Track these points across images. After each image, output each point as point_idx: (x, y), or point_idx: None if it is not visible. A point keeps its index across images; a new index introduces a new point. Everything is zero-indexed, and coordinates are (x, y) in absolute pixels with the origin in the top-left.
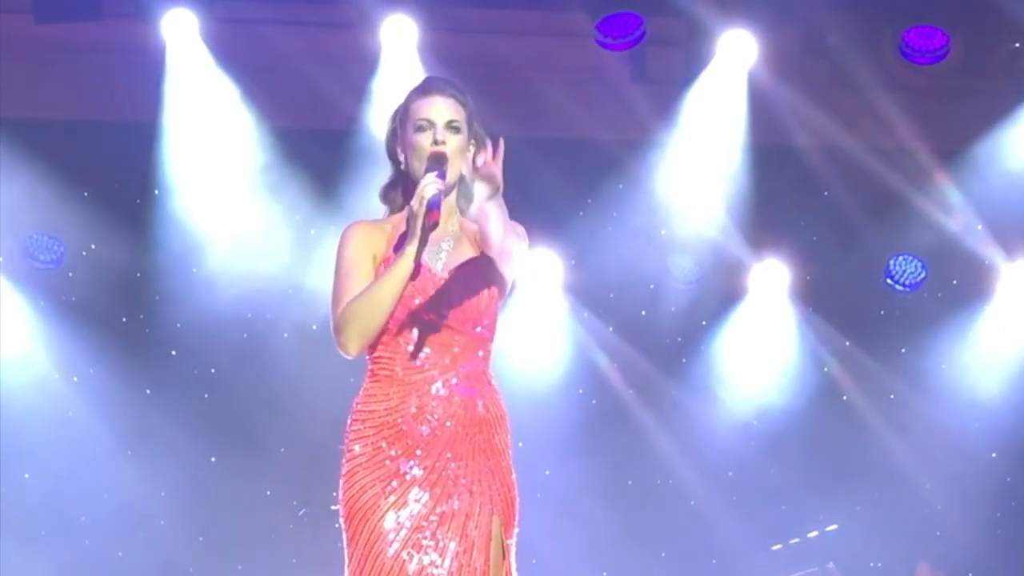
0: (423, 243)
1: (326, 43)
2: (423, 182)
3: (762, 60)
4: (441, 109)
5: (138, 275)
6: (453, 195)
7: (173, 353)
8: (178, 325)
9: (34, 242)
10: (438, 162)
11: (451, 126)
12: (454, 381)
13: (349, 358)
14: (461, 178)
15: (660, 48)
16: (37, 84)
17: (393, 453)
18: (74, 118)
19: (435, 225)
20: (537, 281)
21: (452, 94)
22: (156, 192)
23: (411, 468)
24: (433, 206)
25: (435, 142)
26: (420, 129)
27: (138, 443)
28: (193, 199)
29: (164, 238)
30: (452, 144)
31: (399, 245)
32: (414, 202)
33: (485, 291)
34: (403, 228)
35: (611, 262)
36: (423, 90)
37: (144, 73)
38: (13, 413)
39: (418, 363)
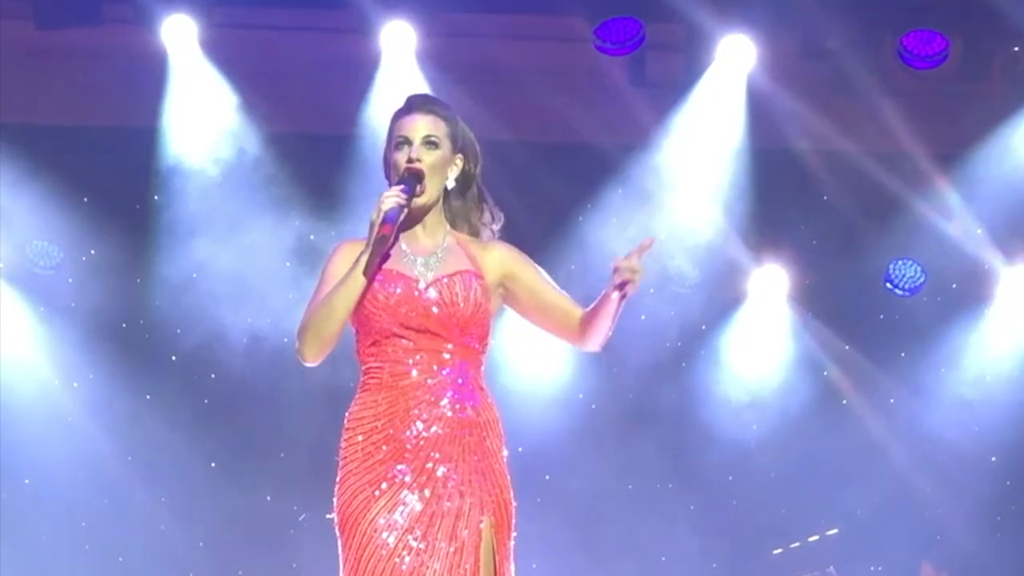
0: (376, 254)
1: (325, 49)
2: (384, 194)
3: (761, 64)
4: (418, 126)
5: (138, 280)
6: (439, 208)
7: (173, 359)
8: (178, 331)
9: (34, 248)
10: (412, 178)
11: (428, 142)
12: (442, 387)
13: (308, 365)
14: (446, 191)
15: (659, 53)
16: (37, 90)
17: (382, 456)
18: (74, 124)
19: (384, 238)
20: None
21: (431, 110)
22: (156, 197)
23: (400, 471)
24: (388, 220)
25: (409, 159)
26: (398, 147)
27: (138, 449)
28: (192, 204)
29: (164, 243)
30: (429, 159)
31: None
32: (373, 213)
33: (474, 302)
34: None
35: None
36: (403, 109)
37: (144, 79)
38: (13, 418)
39: (405, 370)
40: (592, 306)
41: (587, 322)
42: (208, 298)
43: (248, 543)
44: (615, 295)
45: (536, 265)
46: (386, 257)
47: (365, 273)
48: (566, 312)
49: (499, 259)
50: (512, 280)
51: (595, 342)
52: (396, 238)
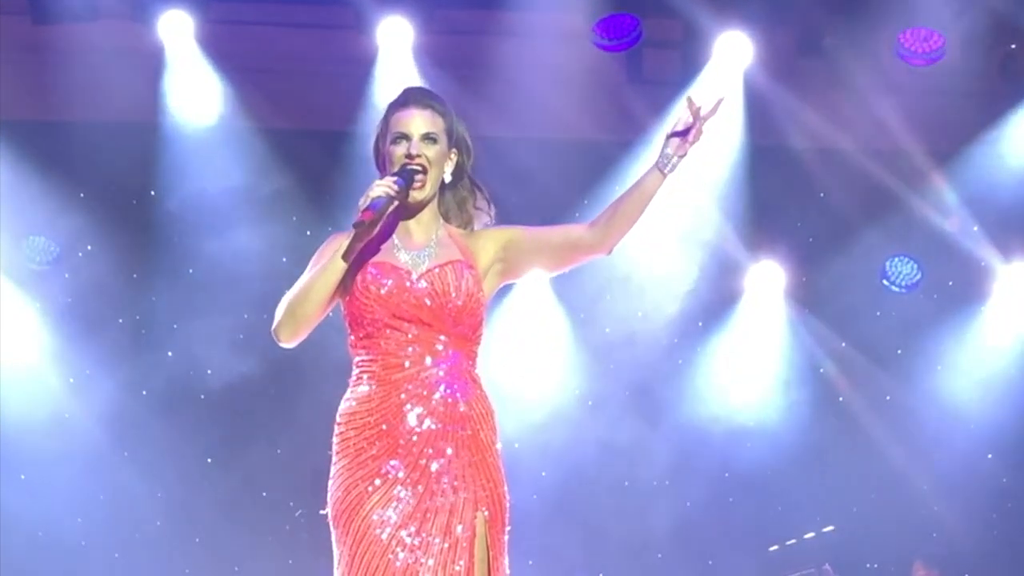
0: (356, 239)
1: (322, 45)
2: (376, 182)
3: (758, 61)
4: (418, 122)
5: (134, 276)
6: (434, 203)
7: (169, 354)
8: (174, 326)
9: (31, 243)
10: (409, 172)
11: (427, 138)
12: (435, 380)
13: (285, 346)
14: (443, 186)
15: (656, 49)
16: (33, 85)
17: (375, 452)
18: (70, 119)
19: (363, 224)
20: (533, 283)
21: (429, 105)
22: (152, 193)
23: (393, 467)
24: (372, 207)
25: (409, 155)
26: (396, 141)
27: (134, 444)
28: (189, 200)
29: (160, 239)
30: (429, 155)
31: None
32: (361, 199)
33: (466, 291)
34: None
35: (607, 264)
36: (401, 103)
37: (140, 74)
38: (9, 414)
39: (398, 363)
40: (627, 190)
41: (614, 209)
42: (204, 293)
43: (244, 539)
44: (661, 172)
45: None
46: (375, 249)
47: (345, 258)
48: (575, 231)
49: (489, 236)
50: (509, 243)
51: (622, 230)
52: (390, 228)
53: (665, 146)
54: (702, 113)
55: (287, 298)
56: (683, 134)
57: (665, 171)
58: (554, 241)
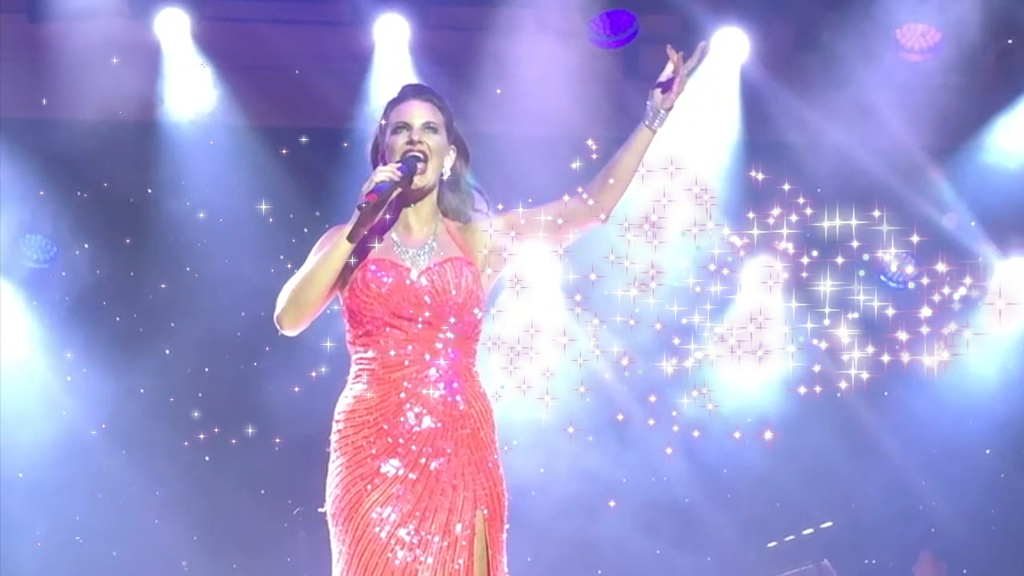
0: (360, 222)
1: (319, 41)
2: (380, 168)
3: (755, 57)
4: (418, 112)
5: (132, 274)
6: (432, 198)
7: (167, 352)
8: (172, 324)
9: (28, 242)
10: (412, 160)
11: (428, 127)
12: (434, 378)
13: (287, 334)
14: (442, 180)
15: (654, 45)
16: (29, 83)
17: (374, 451)
18: (67, 117)
19: (367, 205)
20: (531, 278)
21: (428, 98)
22: (149, 191)
23: (392, 466)
24: (376, 190)
25: (410, 141)
26: (397, 131)
27: (132, 442)
28: (186, 197)
29: (158, 237)
30: (430, 143)
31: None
32: (364, 184)
33: (465, 288)
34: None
35: (605, 260)
36: (400, 97)
37: (137, 72)
38: (7, 413)
39: (397, 361)
40: (617, 153)
41: (606, 174)
42: (202, 291)
43: (242, 537)
44: (648, 128)
45: None
46: (379, 235)
47: (350, 238)
48: (569, 203)
49: (485, 227)
50: (505, 229)
51: (616, 193)
52: (391, 220)
53: (650, 100)
54: (685, 62)
55: (290, 285)
56: (667, 86)
57: (653, 127)
58: (549, 217)
